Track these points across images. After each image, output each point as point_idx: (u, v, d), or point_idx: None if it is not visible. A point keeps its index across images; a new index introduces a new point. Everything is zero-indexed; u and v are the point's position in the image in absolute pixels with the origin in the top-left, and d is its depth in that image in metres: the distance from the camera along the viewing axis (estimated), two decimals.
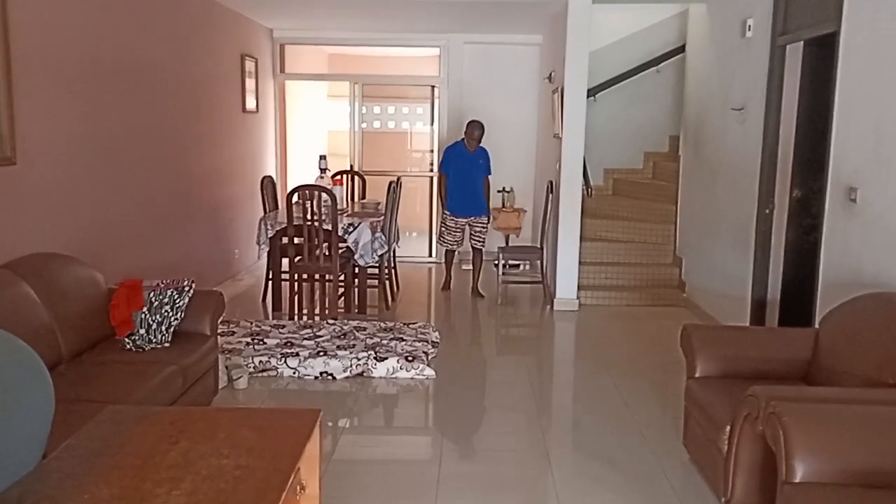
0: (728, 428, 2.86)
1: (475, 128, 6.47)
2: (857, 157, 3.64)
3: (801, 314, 4.30)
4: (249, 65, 7.18)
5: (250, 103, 7.23)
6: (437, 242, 7.02)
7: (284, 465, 1.56)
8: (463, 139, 6.57)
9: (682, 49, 6.98)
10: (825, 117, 3.97)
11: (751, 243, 4.93)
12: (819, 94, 4.25)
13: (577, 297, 6.23)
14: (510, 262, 7.20)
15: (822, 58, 4.19)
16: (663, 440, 3.66)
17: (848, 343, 3.05)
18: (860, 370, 2.88)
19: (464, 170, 6.51)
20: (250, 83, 7.20)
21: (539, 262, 6.70)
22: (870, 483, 2.30)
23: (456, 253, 6.79)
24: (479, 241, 6.68)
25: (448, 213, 6.62)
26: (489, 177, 6.66)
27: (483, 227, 6.66)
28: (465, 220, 6.59)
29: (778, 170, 4.73)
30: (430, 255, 8.47)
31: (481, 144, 6.54)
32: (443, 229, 6.72)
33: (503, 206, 7.97)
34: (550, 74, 6.94)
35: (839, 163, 3.81)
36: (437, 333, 5.25)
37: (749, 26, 5.02)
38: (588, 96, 6.35)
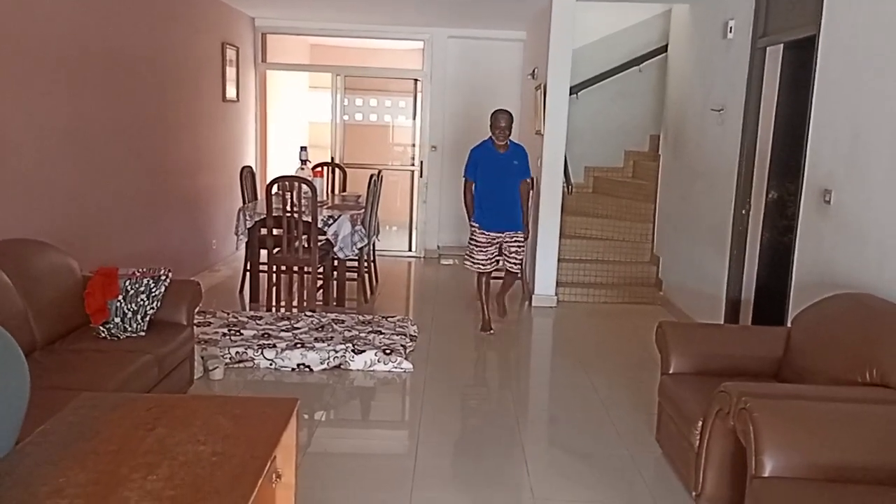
0: (700, 423, 2.91)
1: (500, 118, 5.20)
2: (831, 159, 3.71)
3: (774, 314, 4.37)
4: (230, 53, 7.12)
5: (230, 92, 7.18)
6: (464, 264, 5.51)
7: (261, 452, 1.56)
8: (490, 137, 5.31)
9: (664, 49, 7.04)
10: (803, 120, 4.03)
11: (727, 243, 4.99)
12: (797, 96, 4.32)
13: (556, 294, 6.27)
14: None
15: (802, 61, 4.26)
16: (637, 435, 3.71)
17: (819, 342, 3.11)
18: (830, 368, 2.94)
19: (494, 174, 5.25)
20: (231, 72, 7.14)
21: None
22: (837, 478, 2.35)
23: (486, 278, 5.42)
24: (514, 263, 5.37)
25: (476, 225, 5.34)
26: (528, 180, 5.40)
27: (520, 246, 5.36)
28: (498, 236, 5.31)
29: (755, 171, 4.79)
30: (410, 250, 8.48)
31: (514, 140, 5.39)
32: (471, 246, 5.37)
33: None
34: (534, 71, 6.96)
35: (814, 165, 3.87)
36: (415, 327, 5.26)
37: (730, 28, 5.08)
38: (571, 93, 6.38)
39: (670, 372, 3.42)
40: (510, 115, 5.25)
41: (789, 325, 3.55)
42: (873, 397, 2.57)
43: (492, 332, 5.36)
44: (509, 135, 5.25)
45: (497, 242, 5.32)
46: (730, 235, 4.96)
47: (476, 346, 5.47)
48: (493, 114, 5.27)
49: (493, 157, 5.27)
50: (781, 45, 4.52)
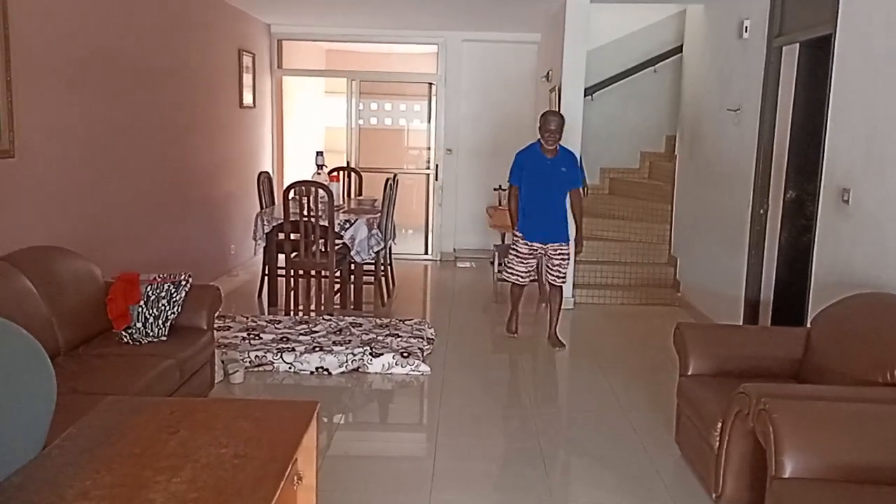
0: (719, 424, 2.90)
1: (550, 120, 4.84)
2: (849, 158, 3.68)
3: (793, 314, 4.34)
4: (247, 60, 7.19)
5: (247, 98, 7.25)
6: (498, 273, 5.16)
7: (282, 454, 1.58)
8: (538, 141, 4.95)
9: (679, 49, 7.02)
10: (820, 119, 4.00)
11: (745, 243, 4.96)
12: (814, 95, 4.29)
13: (573, 296, 6.26)
14: (506, 260, 7.22)
15: (818, 60, 4.23)
16: (655, 437, 3.70)
17: (839, 342, 3.09)
18: (850, 369, 2.92)
19: (540, 181, 4.92)
20: (247, 78, 7.21)
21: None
22: (857, 479, 2.33)
23: (521, 289, 5.20)
24: (558, 276, 5.04)
25: (519, 234, 5.05)
26: (582, 190, 5.15)
27: (564, 258, 5.01)
28: (542, 247, 5.01)
29: (772, 171, 4.76)
30: (427, 253, 8.50)
31: (563, 145, 5.02)
32: (511, 255, 5.10)
33: (499, 204, 8.01)
34: (548, 73, 6.96)
35: (832, 164, 3.84)
36: (432, 330, 5.28)
37: (746, 27, 5.06)
38: (585, 95, 6.37)
39: (689, 373, 3.40)
40: (561, 117, 4.90)
41: (809, 325, 3.52)
42: (893, 398, 2.55)
43: (516, 334, 5.31)
44: (559, 139, 4.89)
45: (539, 254, 5.04)
46: (748, 236, 4.93)
47: (493, 349, 5.48)
48: (542, 116, 4.96)
49: (539, 163, 4.92)
50: (798, 45, 4.50)
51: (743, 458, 2.83)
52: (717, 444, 2.92)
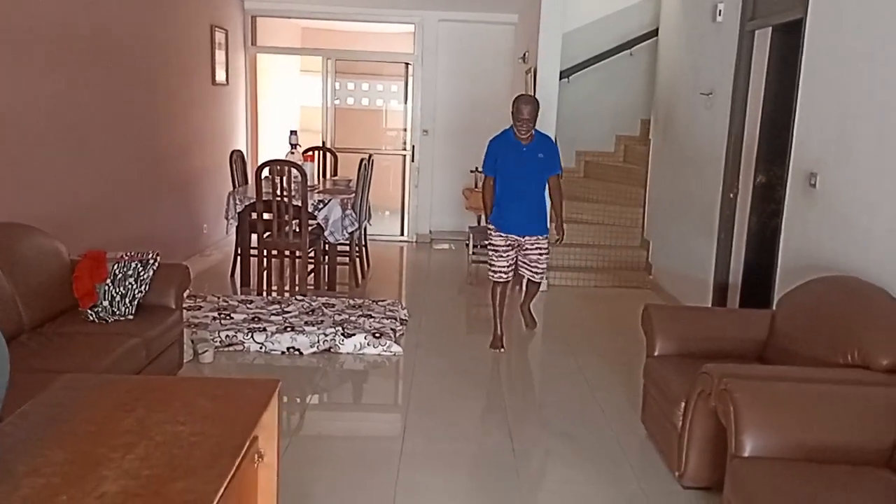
0: (683, 404, 2.94)
1: (524, 104, 4.45)
2: (818, 142, 3.72)
3: (761, 297, 4.39)
4: (219, 36, 7.07)
5: (220, 76, 7.14)
6: (488, 274, 4.79)
7: (239, 432, 1.57)
8: (511, 127, 4.57)
9: (655, 33, 7.03)
10: (790, 103, 4.03)
11: (715, 227, 5.01)
12: (785, 80, 4.32)
13: (546, 278, 6.28)
14: (481, 242, 7.23)
15: (790, 44, 4.25)
16: (623, 417, 3.74)
17: (802, 324, 3.14)
18: (813, 350, 2.97)
19: (515, 169, 4.56)
20: (220, 55, 7.09)
21: None
22: (816, 458, 2.39)
23: (503, 288, 4.75)
24: (535, 272, 4.75)
25: (493, 227, 4.68)
26: (560, 175, 4.74)
27: (542, 252, 4.69)
28: (517, 239, 4.65)
29: (743, 155, 4.80)
30: (402, 234, 8.48)
31: (539, 129, 4.63)
32: (490, 252, 4.73)
33: (476, 186, 8.00)
34: (524, 54, 6.94)
35: (801, 148, 3.88)
36: (405, 311, 5.28)
37: (720, 11, 5.07)
38: (561, 78, 6.37)
39: (655, 354, 3.45)
40: (536, 103, 4.50)
41: (774, 308, 3.57)
42: (853, 378, 2.60)
43: (503, 349, 4.73)
44: (533, 126, 4.50)
45: (514, 246, 4.65)
46: (717, 220, 4.97)
47: (466, 331, 5.50)
48: (514, 101, 4.54)
49: (514, 150, 4.54)
50: (770, 29, 4.52)
51: (705, 438, 2.87)
52: (681, 423, 2.96)
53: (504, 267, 4.68)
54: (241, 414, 1.67)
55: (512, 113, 4.52)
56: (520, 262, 4.71)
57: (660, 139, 6.51)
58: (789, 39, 4.26)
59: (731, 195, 4.86)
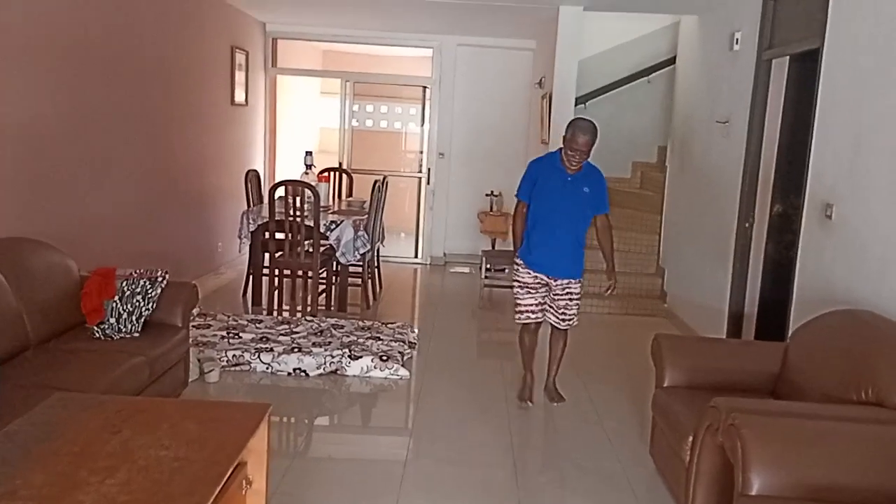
0: (690, 438, 2.86)
1: (581, 132, 3.81)
2: (833, 173, 3.65)
3: (777, 329, 4.30)
4: (240, 57, 7.16)
5: (239, 96, 7.22)
6: (514, 317, 4.19)
7: (224, 458, 1.54)
8: (560, 150, 3.94)
9: (673, 60, 7.00)
10: (807, 133, 3.98)
11: (730, 256, 4.93)
12: (802, 109, 4.27)
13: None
14: (494, 266, 7.20)
15: (806, 73, 4.21)
16: (631, 449, 3.66)
17: (815, 358, 3.06)
18: (826, 385, 2.88)
19: (554, 200, 3.97)
20: (240, 76, 7.18)
21: None
22: (826, 499, 2.29)
23: (532, 327, 4.21)
24: (563, 318, 4.10)
25: (520, 262, 4.11)
26: (606, 215, 4.14)
27: (572, 298, 4.08)
28: (548, 282, 4.06)
29: (759, 184, 4.74)
30: (417, 257, 8.46)
31: (591, 161, 3.98)
32: (516, 288, 4.13)
33: (491, 209, 7.99)
34: (541, 80, 6.95)
35: (817, 179, 3.82)
36: (415, 334, 5.24)
37: (737, 39, 5.04)
38: (578, 104, 6.36)
39: (664, 385, 3.37)
40: (595, 132, 3.84)
41: (788, 340, 3.49)
42: (866, 416, 2.52)
43: (531, 403, 4.18)
44: (587, 158, 3.90)
45: (542, 287, 4.06)
46: (733, 249, 4.90)
47: (476, 355, 5.44)
48: (570, 126, 3.90)
49: (556, 177, 3.94)
50: (787, 58, 4.48)
51: (713, 474, 2.78)
52: (688, 457, 2.88)
53: (532, 305, 4.07)
54: (227, 439, 1.64)
55: (565, 138, 3.89)
56: (547, 308, 4.10)
57: (676, 166, 6.46)
58: (806, 69, 4.22)
59: (747, 224, 4.79)
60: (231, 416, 1.76)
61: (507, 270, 7.61)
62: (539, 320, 4.13)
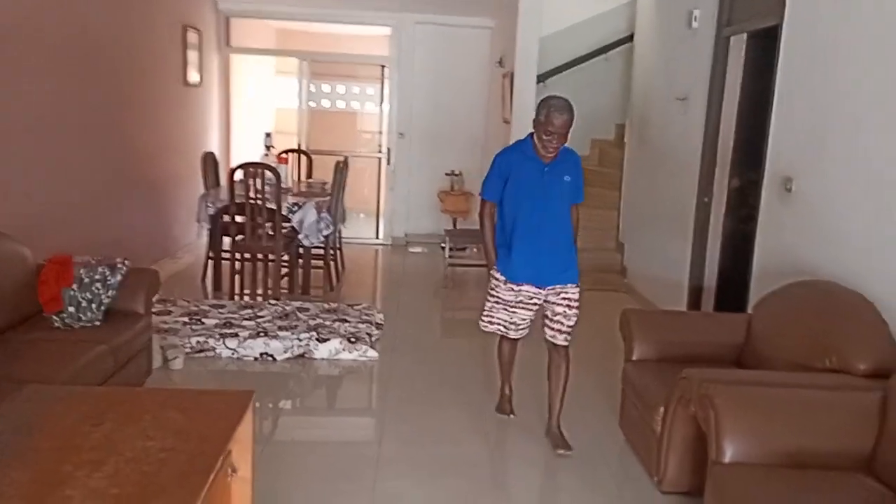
0: (662, 409, 2.93)
1: (557, 111, 3.18)
2: (793, 148, 3.74)
3: (735, 300, 4.41)
4: (192, 36, 6.94)
5: (192, 76, 7.01)
6: (481, 323, 3.58)
7: (211, 448, 1.51)
8: (531, 136, 3.34)
9: (630, 38, 7.06)
10: (765, 109, 4.06)
11: (689, 231, 5.03)
12: (760, 86, 4.35)
13: None
14: (457, 245, 7.20)
15: (765, 50, 4.28)
16: (600, 422, 3.72)
17: (779, 328, 3.15)
18: (790, 355, 2.97)
19: (536, 196, 3.32)
20: (193, 55, 6.97)
21: None
22: (795, 464, 2.38)
23: (511, 345, 3.67)
24: (561, 329, 3.43)
25: (499, 276, 3.45)
26: (578, 206, 3.54)
27: (572, 304, 3.42)
28: (537, 292, 3.40)
29: (718, 160, 4.83)
30: (377, 237, 8.41)
31: (568, 146, 3.40)
32: (489, 299, 3.52)
33: (451, 189, 7.98)
34: (501, 59, 6.93)
35: (776, 154, 3.91)
36: (381, 315, 5.22)
37: (695, 17, 5.09)
38: (538, 82, 6.36)
39: (633, 359, 3.44)
40: (572, 112, 3.22)
41: (750, 311, 3.58)
42: (832, 383, 2.61)
43: (513, 415, 3.72)
44: (565, 142, 3.31)
45: (533, 300, 3.42)
46: (692, 223, 4.99)
47: (443, 334, 5.45)
48: (542, 106, 3.23)
49: (532, 169, 3.31)
50: (745, 35, 4.55)
51: (684, 443, 2.86)
52: (660, 428, 2.95)
53: (504, 320, 3.48)
54: (213, 428, 1.61)
55: (537, 121, 3.23)
56: (546, 320, 3.47)
57: (635, 143, 6.54)
58: (764, 45, 4.29)
59: (706, 199, 4.88)
60: (215, 405, 1.73)
61: (467, 250, 7.63)
62: (516, 336, 3.54)
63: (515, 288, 3.40)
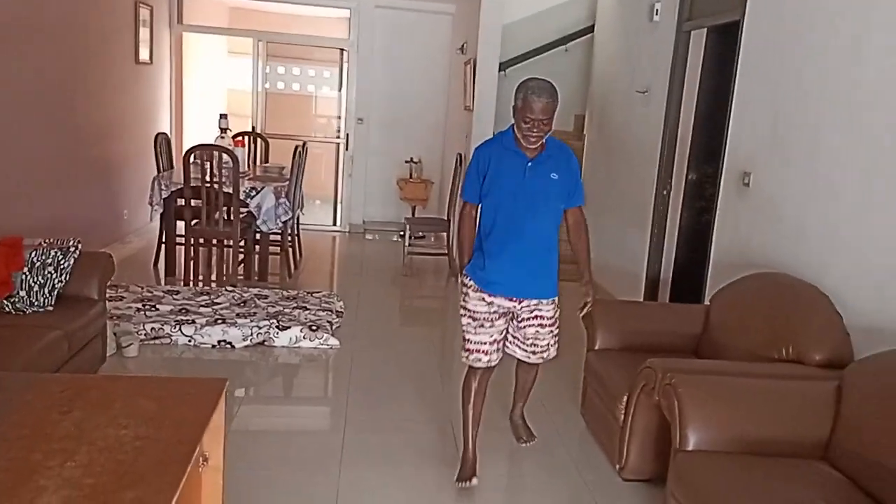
0: (625, 398, 2.98)
1: (537, 94, 2.76)
2: (752, 142, 3.83)
3: (690, 292, 4.52)
4: (144, 13, 6.72)
5: (144, 54, 6.79)
6: (462, 353, 3.07)
7: (188, 436, 1.47)
8: (511, 128, 2.91)
9: (591, 29, 7.11)
10: (723, 104, 4.15)
11: (648, 223, 5.11)
12: (719, 81, 4.44)
13: None
14: (416, 234, 7.18)
15: (724, 45, 4.37)
16: (562, 410, 3.77)
17: (736, 319, 3.23)
18: (747, 344, 3.06)
19: (516, 195, 2.89)
20: (144, 32, 6.74)
21: (445, 233, 6.71)
22: (756, 451, 2.45)
23: (485, 374, 3.08)
24: (533, 351, 3.09)
25: (469, 282, 3.00)
26: (581, 208, 3.13)
27: (544, 324, 3.04)
28: (510, 306, 2.98)
29: (677, 153, 4.91)
30: (335, 224, 8.32)
31: (553, 136, 2.95)
32: (464, 318, 3.02)
33: (410, 176, 7.94)
34: (463, 45, 6.90)
35: (735, 148, 3.99)
36: (341, 303, 5.17)
37: (657, 10, 5.16)
38: (499, 70, 6.36)
39: (596, 348, 3.48)
40: (555, 95, 2.80)
41: (707, 302, 3.66)
42: (790, 373, 2.69)
43: (472, 481, 2.98)
44: (549, 131, 2.85)
45: (506, 313, 2.99)
46: (651, 215, 5.08)
47: (402, 322, 5.43)
48: (521, 90, 2.83)
49: (513, 164, 2.89)
50: (705, 30, 4.63)
51: (647, 431, 2.92)
52: (623, 416, 3.00)
53: (487, 343, 2.98)
54: (187, 416, 1.56)
55: (516, 108, 2.82)
56: (509, 337, 3.08)
57: (594, 135, 6.61)
58: (724, 41, 4.38)
59: (665, 192, 4.97)
60: (187, 393, 1.68)
61: (425, 237, 7.62)
62: (493, 364, 3.04)
63: (487, 299, 2.94)
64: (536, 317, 3.00)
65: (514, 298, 2.96)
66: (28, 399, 1.56)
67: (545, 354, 3.11)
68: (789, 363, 2.80)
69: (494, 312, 2.96)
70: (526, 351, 3.09)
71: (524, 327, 3.02)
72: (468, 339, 3.01)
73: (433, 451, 3.30)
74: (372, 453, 3.20)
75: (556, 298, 3.05)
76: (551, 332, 3.05)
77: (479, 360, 3.01)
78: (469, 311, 2.99)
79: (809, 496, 2.20)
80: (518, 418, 3.44)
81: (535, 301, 2.98)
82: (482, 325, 2.98)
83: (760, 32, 3.83)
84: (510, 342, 3.10)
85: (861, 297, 2.90)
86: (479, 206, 2.99)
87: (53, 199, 5.12)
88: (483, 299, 2.95)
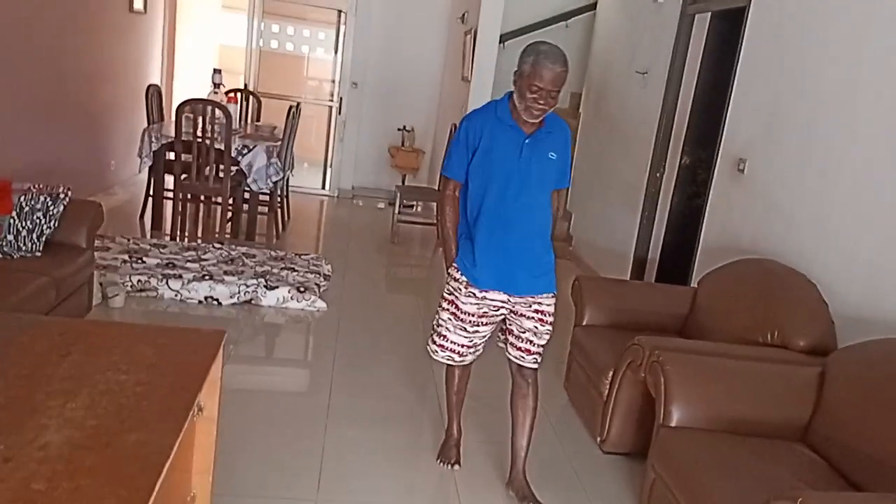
0: (610, 373, 3.02)
1: (549, 60, 2.43)
2: (749, 129, 3.85)
3: (676, 274, 4.57)
4: None
5: (137, 3, 6.65)
6: (427, 346, 2.85)
7: (189, 384, 1.47)
8: (509, 95, 2.61)
9: (593, 6, 7.06)
10: (722, 89, 4.16)
11: (640, 204, 5.14)
12: (719, 66, 4.44)
13: None
14: (405, 202, 7.16)
15: (727, 31, 4.37)
16: (544, 382, 3.76)
17: (723, 302, 3.28)
18: (732, 328, 3.10)
19: (510, 175, 2.56)
20: None
21: (435, 203, 6.69)
22: (737, 430, 2.51)
23: (463, 370, 2.93)
24: (529, 350, 2.72)
25: (457, 275, 2.69)
26: (563, 190, 2.81)
27: (544, 319, 2.69)
28: (504, 301, 2.67)
29: (672, 136, 4.93)
30: (324, 188, 8.27)
31: (554, 112, 2.60)
32: (443, 312, 2.75)
33: (402, 144, 7.90)
34: (464, 14, 6.83)
35: (732, 134, 4.01)
36: (329, 266, 5.16)
37: None
38: (498, 42, 6.30)
39: (584, 324, 3.52)
40: (566, 64, 2.46)
41: (695, 285, 3.70)
42: (774, 357, 2.74)
43: (457, 465, 2.93)
44: (555, 105, 2.52)
45: (499, 311, 2.70)
46: (643, 196, 5.10)
47: (390, 288, 5.44)
48: (529, 52, 2.49)
49: (508, 140, 2.56)
50: (710, 14, 4.62)
51: (629, 406, 2.97)
52: (607, 391, 3.05)
53: (461, 343, 2.74)
54: (188, 365, 1.56)
55: (519, 74, 2.49)
56: (508, 336, 2.77)
57: (590, 113, 6.60)
58: (728, 26, 4.38)
59: (658, 174, 4.99)
60: (188, 342, 1.67)
61: (415, 207, 7.60)
62: (466, 362, 2.84)
63: (479, 294, 2.64)
64: (536, 311, 2.66)
65: (508, 292, 2.64)
66: (27, 340, 1.55)
67: (538, 356, 2.74)
68: (774, 347, 2.85)
69: (484, 314, 2.67)
70: (520, 350, 2.71)
71: (522, 318, 2.68)
72: (443, 336, 2.74)
73: (418, 414, 3.33)
74: (357, 415, 3.23)
75: (555, 293, 2.70)
76: (549, 330, 2.70)
77: (451, 359, 2.78)
78: (455, 307, 2.68)
79: (786, 474, 2.26)
80: (520, 475, 2.80)
81: (530, 296, 2.66)
82: (464, 329, 2.70)
83: (766, 20, 3.83)
84: (508, 343, 2.77)
85: (848, 286, 2.95)
86: (462, 184, 2.65)
87: (41, 142, 5.03)
88: (473, 295, 2.64)
